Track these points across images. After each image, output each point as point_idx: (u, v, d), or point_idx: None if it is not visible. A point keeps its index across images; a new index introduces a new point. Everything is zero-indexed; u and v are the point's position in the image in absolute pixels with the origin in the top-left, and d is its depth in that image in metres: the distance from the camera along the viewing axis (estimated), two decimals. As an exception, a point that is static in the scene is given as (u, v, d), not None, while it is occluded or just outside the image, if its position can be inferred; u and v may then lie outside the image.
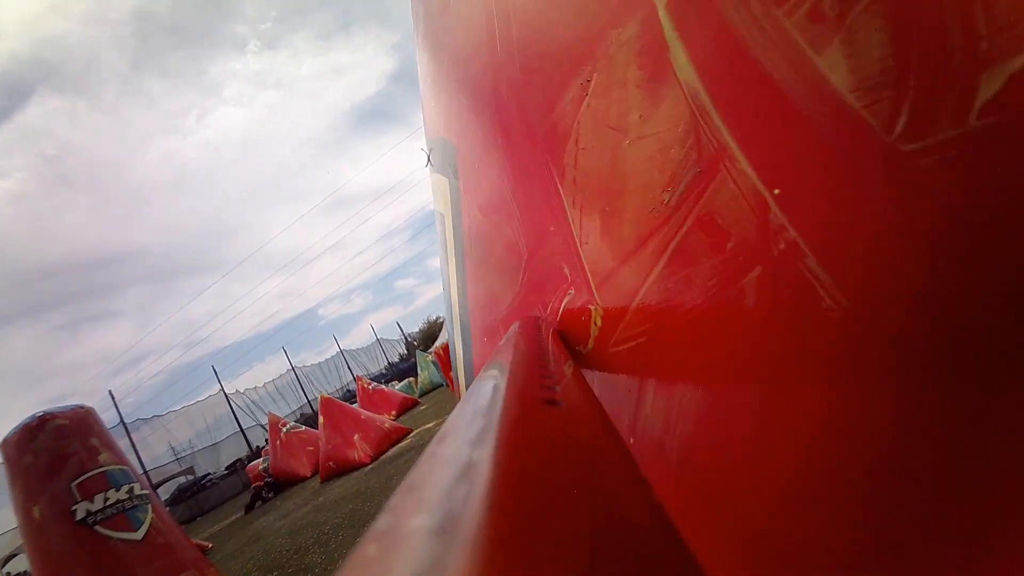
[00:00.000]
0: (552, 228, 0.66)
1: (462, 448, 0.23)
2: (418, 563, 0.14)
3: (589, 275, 0.61)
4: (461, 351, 1.18)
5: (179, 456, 22.18)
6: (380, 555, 0.15)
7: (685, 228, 0.48)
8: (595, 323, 0.61)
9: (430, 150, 1.17)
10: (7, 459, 3.77)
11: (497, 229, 0.82)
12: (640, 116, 0.51)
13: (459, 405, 0.37)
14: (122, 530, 3.68)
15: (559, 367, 0.50)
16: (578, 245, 0.62)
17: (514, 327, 0.64)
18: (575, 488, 0.21)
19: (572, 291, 0.64)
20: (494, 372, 0.40)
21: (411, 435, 7.91)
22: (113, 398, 20.30)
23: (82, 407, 4.16)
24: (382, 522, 0.17)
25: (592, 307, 0.61)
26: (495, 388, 0.34)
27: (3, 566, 15.17)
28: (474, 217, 0.91)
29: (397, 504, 0.19)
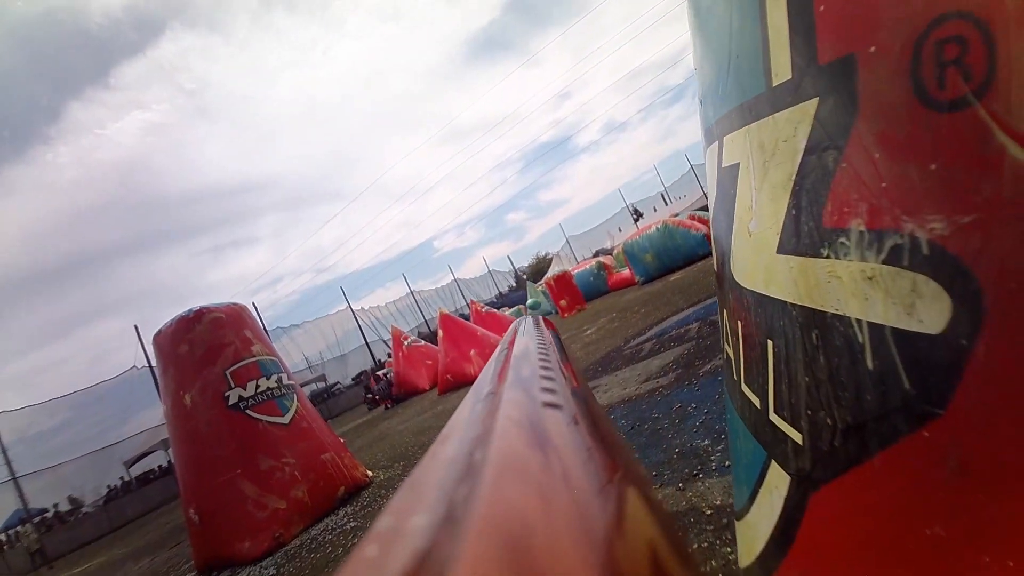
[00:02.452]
0: None
1: (463, 448, 0.24)
2: (418, 563, 0.14)
3: None
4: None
5: (311, 365, 24.56)
6: (380, 555, 0.15)
7: None
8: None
9: None
10: (160, 350, 4.12)
11: None
12: None
13: (460, 406, 0.37)
14: (271, 415, 4.02)
15: (560, 368, 0.49)
16: None
17: (514, 326, 0.65)
18: (575, 488, 0.21)
19: None
20: (494, 372, 0.43)
21: (525, 354, 8.01)
22: (256, 309, 22.61)
23: (236, 304, 4.52)
24: (382, 522, 0.18)
25: None
26: (496, 389, 0.35)
27: (129, 467, 17.66)
28: None
29: (397, 504, 0.19)
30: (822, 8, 0.45)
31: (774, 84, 0.52)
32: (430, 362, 10.63)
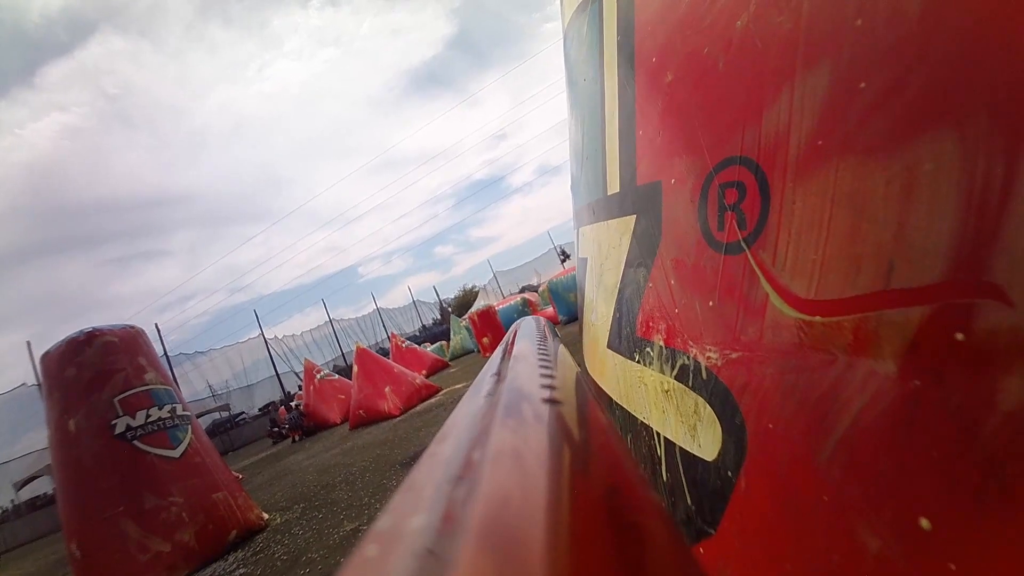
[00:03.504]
0: None
1: (462, 448, 0.24)
2: (418, 563, 0.14)
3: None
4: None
5: (216, 394, 23.08)
6: (380, 555, 0.15)
7: None
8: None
9: None
10: (46, 372, 3.82)
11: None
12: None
13: (459, 405, 0.36)
14: (161, 447, 3.78)
15: (559, 366, 0.49)
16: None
17: (515, 326, 0.65)
18: (575, 488, 0.21)
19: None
20: (494, 371, 0.41)
21: (440, 393, 7.96)
22: (159, 331, 21.15)
23: (132, 327, 4.25)
24: (382, 522, 0.17)
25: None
26: (495, 388, 0.34)
27: (18, 490, 16.02)
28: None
29: (397, 504, 0.19)
30: (640, 132, 0.51)
31: (608, 193, 0.56)
32: (343, 396, 10.31)
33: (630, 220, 0.52)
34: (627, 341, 0.54)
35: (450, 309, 33.52)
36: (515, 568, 0.14)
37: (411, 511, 0.18)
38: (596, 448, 0.29)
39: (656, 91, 0.50)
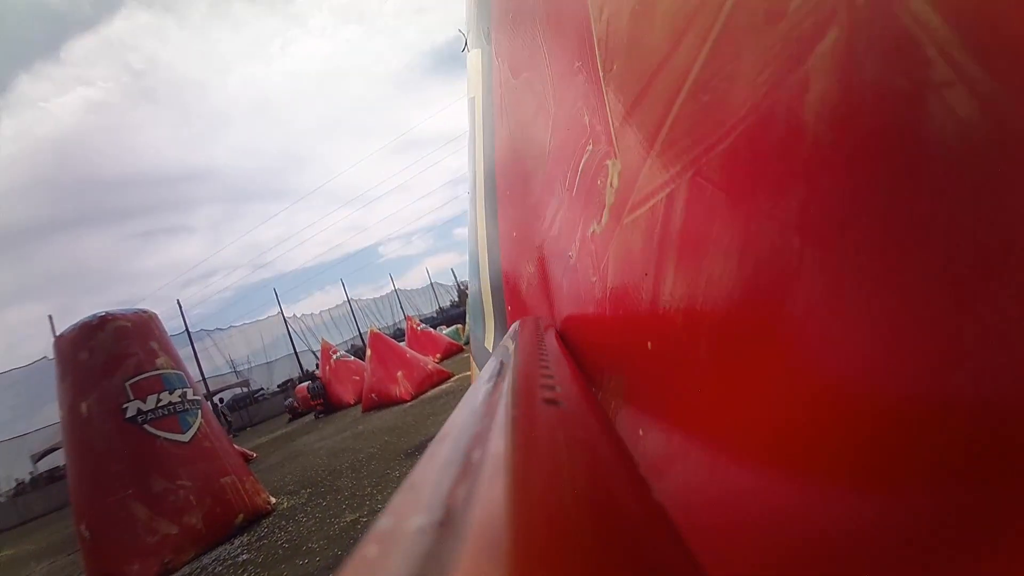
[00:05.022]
0: (578, 64, 0.55)
1: (462, 448, 0.24)
2: (418, 563, 0.14)
3: (609, 114, 0.48)
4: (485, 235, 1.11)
5: (236, 369, 23.55)
6: (380, 555, 0.15)
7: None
8: (611, 185, 0.49)
9: (467, 31, 1.15)
10: (60, 354, 3.92)
11: (528, 87, 0.75)
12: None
13: (459, 405, 0.36)
14: (171, 431, 3.85)
15: (560, 366, 0.49)
16: (600, 75, 0.49)
17: (514, 326, 0.66)
18: (575, 488, 0.21)
19: (591, 145, 0.53)
20: (494, 371, 0.42)
21: (452, 379, 8.00)
22: (180, 307, 21.53)
23: (145, 311, 4.32)
24: (382, 522, 0.17)
25: (610, 161, 0.49)
26: (495, 388, 0.35)
27: (36, 461, 16.44)
28: (507, 84, 0.86)
29: (397, 504, 0.19)
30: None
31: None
32: (357, 378, 10.41)
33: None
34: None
35: (467, 292, 33.64)
36: (515, 568, 0.14)
37: (411, 511, 0.17)
38: (596, 449, 0.29)
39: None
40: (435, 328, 15.45)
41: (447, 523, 0.16)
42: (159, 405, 3.87)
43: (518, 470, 0.20)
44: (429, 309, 34.72)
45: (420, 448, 4.18)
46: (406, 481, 0.22)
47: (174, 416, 3.92)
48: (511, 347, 0.57)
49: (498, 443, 0.23)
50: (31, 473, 16.35)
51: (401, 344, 9.49)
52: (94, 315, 3.93)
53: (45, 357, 16.49)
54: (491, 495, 0.18)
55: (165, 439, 3.79)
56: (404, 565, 0.14)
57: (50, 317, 14.89)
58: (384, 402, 7.84)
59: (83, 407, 3.69)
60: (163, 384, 3.99)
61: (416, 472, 0.23)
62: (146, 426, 3.75)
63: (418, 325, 12.93)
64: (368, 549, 0.15)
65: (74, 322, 3.95)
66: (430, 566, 0.13)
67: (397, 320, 29.93)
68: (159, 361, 4.07)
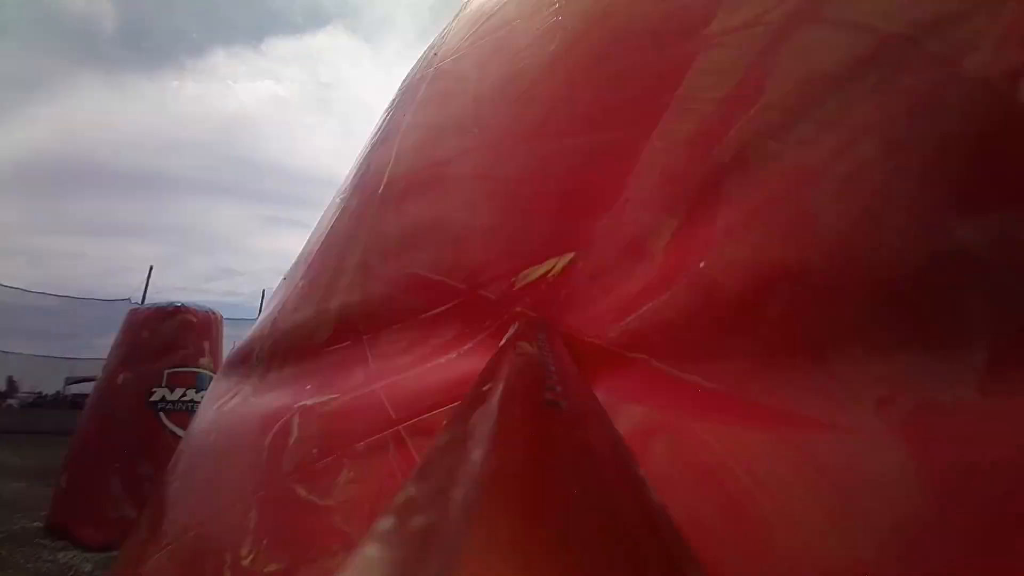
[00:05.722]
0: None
1: (462, 448, 0.23)
2: (417, 563, 0.14)
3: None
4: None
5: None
6: (380, 555, 0.15)
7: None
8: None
9: None
10: (127, 325, 4.32)
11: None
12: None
13: (459, 405, 0.36)
14: (180, 426, 4.01)
15: (560, 367, 0.48)
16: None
17: (514, 327, 0.61)
18: (575, 489, 0.21)
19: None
20: (494, 371, 0.39)
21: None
22: (263, 297, 22.35)
23: (214, 312, 4.70)
24: (383, 523, 0.17)
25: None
26: (495, 388, 0.33)
27: (67, 384, 15.77)
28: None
29: (397, 504, 0.18)
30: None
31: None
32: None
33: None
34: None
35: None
36: (515, 568, 0.14)
37: (411, 511, 0.17)
38: (596, 450, 0.29)
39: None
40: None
41: (445, 524, 0.16)
42: (181, 399, 4.10)
43: (518, 472, 0.21)
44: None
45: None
46: (405, 482, 0.22)
47: (189, 414, 4.09)
48: (512, 346, 0.53)
49: (498, 444, 0.23)
50: (58, 392, 15.99)
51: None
52: (171, 303, 4.38)
53: (128, 299, 16.60)
54: (490, 496, 0.18)
55: (171, 432, 3.98)
56: (403, 565, 0.14)
57: (151, 268, 15.41)
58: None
59: (120, 377, 4.02)
60: (195, 381, 4.23)
61: (416, 472, 0.23)
62: (161, 414, 3.99)
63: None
64: (368, 549, 0.15)
65: (161, 291, 4.31)
66: (429, 567, 0.13)
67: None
68: (203, 361, 4.34)
